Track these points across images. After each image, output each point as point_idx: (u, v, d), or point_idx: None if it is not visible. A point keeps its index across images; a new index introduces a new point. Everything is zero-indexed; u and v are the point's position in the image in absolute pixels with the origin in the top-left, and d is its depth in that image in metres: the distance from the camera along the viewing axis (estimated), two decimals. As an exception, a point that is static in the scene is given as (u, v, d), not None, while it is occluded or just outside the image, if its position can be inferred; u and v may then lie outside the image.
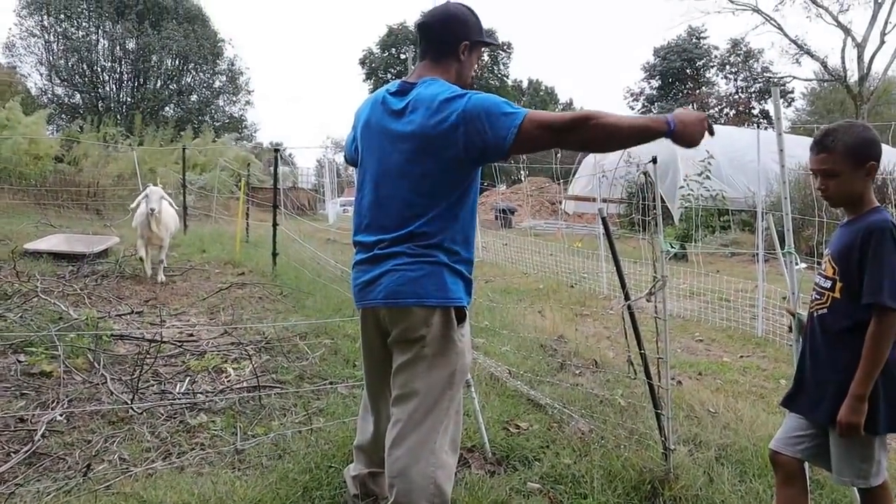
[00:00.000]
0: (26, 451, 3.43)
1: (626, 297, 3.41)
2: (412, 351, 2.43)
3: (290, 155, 43.05)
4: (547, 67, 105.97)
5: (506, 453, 3.63)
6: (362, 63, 55.09)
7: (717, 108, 45.67)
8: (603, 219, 3.85)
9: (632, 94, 48.91)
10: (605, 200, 12.58)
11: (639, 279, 7.75)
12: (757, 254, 7.73)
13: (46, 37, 41.28)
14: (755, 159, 8.23)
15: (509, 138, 2.25)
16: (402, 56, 51.13)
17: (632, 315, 3.40)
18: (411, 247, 2.38)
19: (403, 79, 2.56)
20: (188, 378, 4.82)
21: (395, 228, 2.40)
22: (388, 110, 2.47)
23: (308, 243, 10.14)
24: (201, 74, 45.63)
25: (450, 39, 2.53)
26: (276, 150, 10.64)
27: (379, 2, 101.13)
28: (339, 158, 55.23)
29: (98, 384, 4.55)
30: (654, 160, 3.91)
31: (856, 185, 2.36)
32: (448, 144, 2.31)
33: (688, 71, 46.42)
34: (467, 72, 2.60)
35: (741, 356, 6.29)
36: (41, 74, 41.87)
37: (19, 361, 4.89)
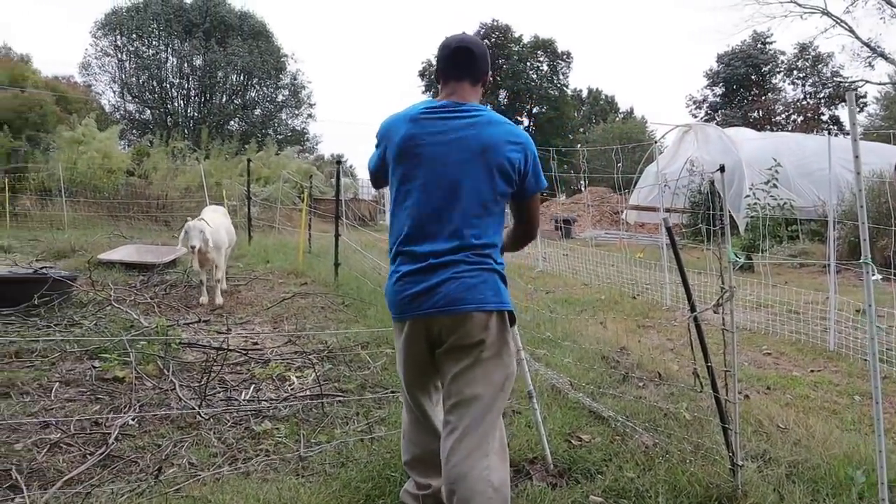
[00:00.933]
0: (101, 454, 3.55)
1: (693, 309, 3.35)
2: (471, 356, 2.50)
3: (350, 167, 43.65)
4: (607, 76, 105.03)
5: (568, 465, 3.59)
6: (422, 74, 55.60)
7: (784, 115, 44.54)
8: (668, 228, 3.77)
9: (694, 102, 48.14)
10: (668, 210, 12.36)
11: (703, 290, 7.59)
12: (829, 264, 7.48)
13: (119, 56, 43.04)
14: (824, 167, 7.99)
15: (538, 191, 2.70)
16: (461, 67, 51.28)
17: (698, 327, 3.32)
18: (469, 255, 2.48)
19: (444, 98, 2.67)
20: (253, 385, 4.92)
21: (454, 237, 2.49)
22: (450, 120, 2.55)
23: (369, 253, 10.24)
24: (265, 89, 46.77)
25: (485, 69, 2.73)
26: (339, 163, 10.80)
27: (438, 13, 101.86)
28: (399, 170, 55.63)
29: (167, 390, 4.68)
30: (722, 168, 3.83)
31: None
32: (511, 171, 2.54)
33: (753, 77, 45.41)
34: None
35: (812, 370, 6.09)
36: (114, 92, 43.67)
37: (94, 367, 5.07)
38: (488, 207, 2.52)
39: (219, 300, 7.98)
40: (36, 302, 6.64)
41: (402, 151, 2.58)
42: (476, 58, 2.68)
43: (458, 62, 2.68)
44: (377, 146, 2.74)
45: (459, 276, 2.46)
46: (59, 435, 3.82)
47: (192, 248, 7.80)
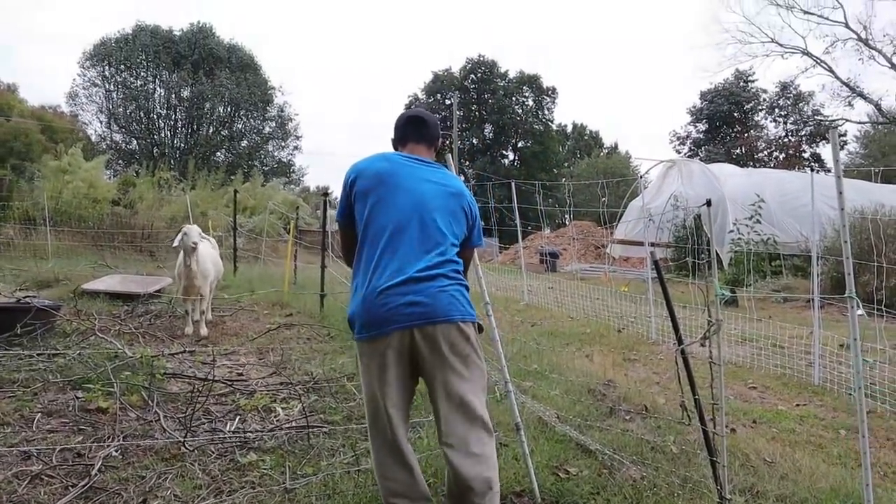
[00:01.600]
0: (83, 486, 3.50)
1: (680, 342, 3.37)
2: (461, 364, 2.73)
3: (336, 199, 43.72)
4: (592, 112, 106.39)
5: (555, 499, 3.58)
6: (408, 108, 55.95)
7: (766, 152, 45.20)
8: (655, 262, 3.81)
9: (678, 138, 48.77)
10: (653, 244, 12.46)
11: (689, 324, 7.63)
12: (813, 299, 7.55)
13: (107, 86, 43.13)
14: (807, 203, 8.11)
15: (478, 245, 3.14)
16: (448, 101, 51.91)
17: (685, 359, 3.35)
18: (448, 272, 2.77)
19: (407, 153, 3.08)
20: (238, 416, 4.88)
21: (433, 256, 2.75)
22: (420, 166, 2.96)
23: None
24: (252, 121, 46.97)
25: (437, 135, 3.20)
26: (325, 194, 10.85)
27: (424, 49, 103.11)
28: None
29: (152, 421, 4.63)
30: (709, 203, 3.89)
31: None
32: (468, 217, 2.99)
33: (735, 114, 46.13)
34: None
35: (797, 404, 6.11)
36: (101, 122, 43.72)
37: (77, 398, 5.01)
38: (455, 241, 2.87)
39: (203, 331, 7.90)
40: (19, 331, 6.56)
41: (379, 179, 2.86)
42: (429, 125, 3.16)
43: (416, 128, 3.13)
44: (344, 189, 2.97)
45: (444, 289, 2.71)
46: (40, 466, 3.77)
47: (194, 244, 7.73)
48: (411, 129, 3.13)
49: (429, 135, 3.15)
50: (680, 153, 46.52)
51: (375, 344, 2.70)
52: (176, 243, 7.93)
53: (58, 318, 7.30)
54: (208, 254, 8.51)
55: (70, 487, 3.51)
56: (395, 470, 2.81)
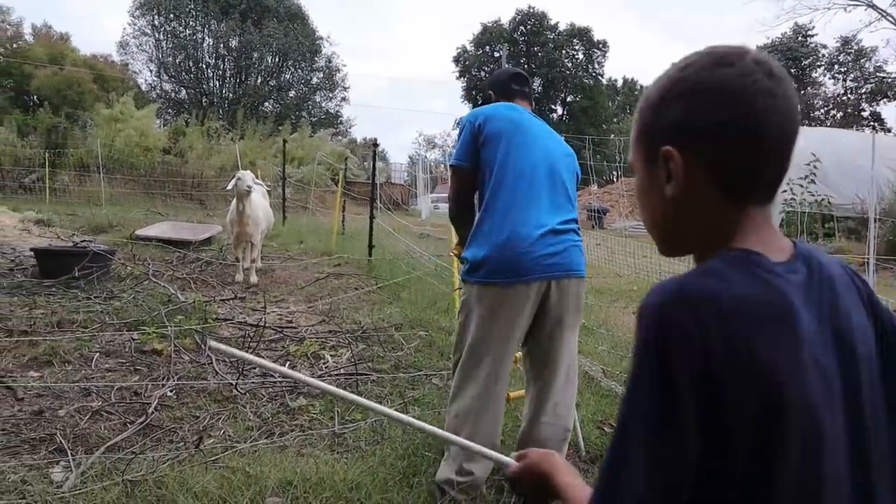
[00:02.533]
0: (141, 423, 3.61)
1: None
2: (575, 320, 2.82)
3: (383, 151, 43.76)
4: (643, 67, 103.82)
5: (599, 452, 3.58)
6: (456, 61, 55.41)
7: (823, 110, 43.72)
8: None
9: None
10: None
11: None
12: (867, 261, 7.34)
13: (156, 35, 43.42)
14: (863, 164, 7.82)
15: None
16: (496, 54, 51.17)
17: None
18: (576, 228, 2.84)
19: (525, 107, 3.03)
20: (288, 362, 4.97)
21: (568, 210, 2.81)
22: (541, 122, 2.95)
23: (402, 237, 10.27)
24: (299, 71, 46.96)
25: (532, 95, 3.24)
26: (375, 145, 10.81)
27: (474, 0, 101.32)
28: (432, 155, 55.70)
29: (204, 364, 4.75)
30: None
31: None
32: (574, 175, 3.00)
33: (792, 70, 44.47)
34: None
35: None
36: (151, 71, 44.14)
37: (133, 339, 5.15)
38: (572, 198, 2.89)
39: (253, 279, 8.03)
40: (76, 274, 6.76)
41: (514, 125, 2.82)
42: (530, 83, 3.18)
43: (521, 85, 3.11)
44: (468, 131, 2.85)
45: (576, 243, 2.79)
46: (100, 403, 3.90)
47: (248, 188, 7.77)
48: (517, 84, 3.10)
49: (531, 92, 3.17)
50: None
51: (510, 291, 2.64)
52: (230, 187, 7.97)
53: (113, 262, 7.50)
54: (259, 202, 8.58)
55: (128, 424, 3.63)
56: (486, 421, 2.73)
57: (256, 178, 8.49)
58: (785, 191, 15.53)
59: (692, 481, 0.77)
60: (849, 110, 42.22)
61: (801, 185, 14.83)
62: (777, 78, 0.87)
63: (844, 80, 44.02)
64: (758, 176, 0.89)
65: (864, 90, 42.98)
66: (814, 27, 44.26)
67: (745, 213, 0.90)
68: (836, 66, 44.16)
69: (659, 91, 0.95)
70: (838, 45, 43.20)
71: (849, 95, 43.46)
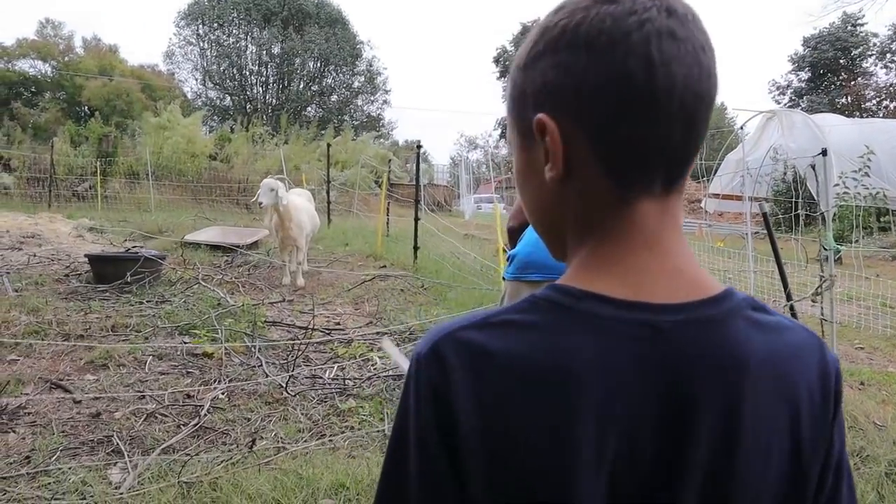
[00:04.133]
0: (194, 425, 3.66)
1: (788, 298, 3.22)
2: None
3: (425, 152, 43.88)
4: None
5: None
6: (496, 61, 55.29)
7: (874, 101, 42.51)
8: (764, 214, 3.63)
9: (777, 88, 46.34)
10: (752, 199, 11.94)
11: (791, 282, 7.31)
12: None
13: (201, 45, 44.25)
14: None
15: None
16: (536, 53, 50.84)
17: (794, 316, 3.19)
18: None
19: None
20: (336, 364, 4.98)
21: None
22: None
23: (447, 237, 10.26)
24: (341, 75, 47.32)
25: None
26: (419, 147, 10.82)
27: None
28: (474, 155, 55.72)
29: (254, 366, 4.79)
30: (824, 152, 3.66)
31: None
32: None
33: (841, 61, 43.34)
34: None
35: (911, 366, 5.79)
36: (196, 79, 45.01)
37: (184, 342, 5.23)
38: None
39: (300, 281, 8.08)
40: (129, 279, 6.89)
41: None
42: None
43: None
44: None
45: None
46: (154, 406, 3.96)
47: (260, 204, 7.71)
48: None
49: None
50: (780, 103, 44.24)
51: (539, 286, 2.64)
52: (255, 199, 7.88)
53: (163, 267, 7.63)
54: (304, 207, 8.60)
55: (182, 426, 3.68)
56: None
57: (300, 183, 8.42)
58: (837, 184, 15.13)
59: None
60: (902, 100, 40.99)
61: (855, 179, 14.43)
62: (680, 16, 0.64)
63: (897, 69, 42.76)
64: (657, 152, 0.65)
65: (918, 79, 41.70)
66: (864, 16, 43.04)
67: (635, 208, 0.66)
68: (887, 56, 42.87)
69: (528, 45, 0.71)
70: (890, 32, 41.94)
71: (902, 85, 42.19)
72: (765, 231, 11.72)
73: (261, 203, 7.70)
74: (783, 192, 15.76)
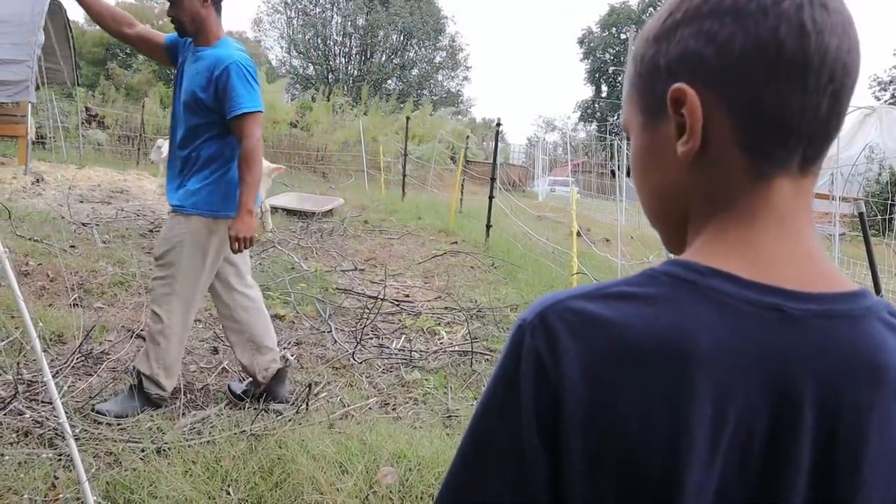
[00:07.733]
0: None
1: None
2: None
3: (502, 131, 43.72)
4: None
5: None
6: (580, 42, 54.40)
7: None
8: (861, 214, 3.46)
9: (879, 83, 44.19)
10: (843, 199, 11.45)
11: (883, 287, 6.98)
12: None
13: (288, 13, 44.98)
14: None
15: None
16: (623, 36, 49.86)
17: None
18: None
19: None
20: (404, 336, 5.03)
21: None
22: None
23: (519, 218, 10.20)
24: (423, 50, 47.44)
25: None
26: (498, 125, 10.76)
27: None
28: (551, 137, 55.15)
29: (324, 332, 4.87)
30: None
31: None
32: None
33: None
34: None
35: None
36: (282, 47, 45.84)
37: (258, 303, 5.35)
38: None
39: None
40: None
41: None
42: None
43: None
44: None
45: None
46: (227, 361, 4.07)
47: (152, 161, 8.09)
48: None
49: None
50: (880, 100, 42.15)
51: None
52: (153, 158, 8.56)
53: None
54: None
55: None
56: None
57: (377, 154, 8.62)
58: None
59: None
60: None
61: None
62: None
63: None
64: (801, 125, 0.60)
65: None
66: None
67: (770, 186, 0.62)
68: None
69: (662, 15, 0.66)
70: None
71: None
72: (852, 234, 11.20)
73: (153, 161, 8.16)
74: (877, 194, 15.04)
